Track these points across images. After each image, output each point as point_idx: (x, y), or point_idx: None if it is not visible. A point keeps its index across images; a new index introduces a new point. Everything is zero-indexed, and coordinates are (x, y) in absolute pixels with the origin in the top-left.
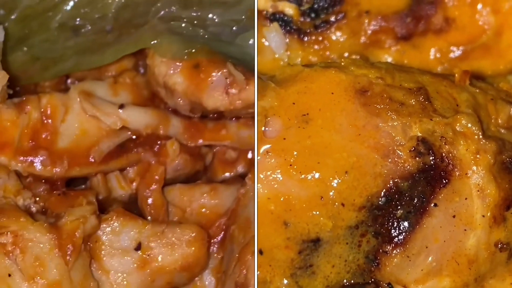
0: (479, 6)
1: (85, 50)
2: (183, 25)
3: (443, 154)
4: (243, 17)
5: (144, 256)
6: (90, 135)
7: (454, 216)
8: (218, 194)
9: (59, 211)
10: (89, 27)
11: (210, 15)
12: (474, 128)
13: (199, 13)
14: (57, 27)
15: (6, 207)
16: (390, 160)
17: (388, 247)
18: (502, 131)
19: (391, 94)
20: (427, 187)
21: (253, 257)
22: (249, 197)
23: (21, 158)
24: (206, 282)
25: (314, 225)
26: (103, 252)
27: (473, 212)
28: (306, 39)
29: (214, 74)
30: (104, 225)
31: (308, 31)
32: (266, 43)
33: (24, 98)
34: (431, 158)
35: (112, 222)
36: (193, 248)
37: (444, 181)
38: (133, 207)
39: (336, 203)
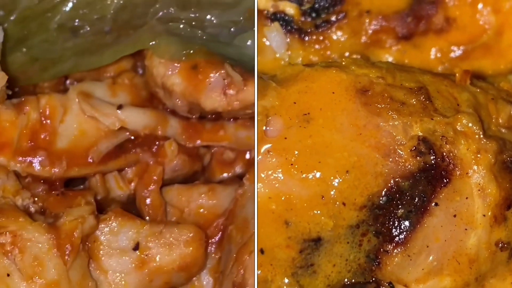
0: (480, 6)
1: (84, 51)
2: (181, 26)
3: (444, 154)
4: (241, 18)
5: (142, 256)
6: (88, 136)
7: (455, 216)
8: (216, 194)
9: (58, 211)
10: (88, 28)
11: (208, 16)
12: (475, 127)
13: (197, 14)
14: (56, 28)
15: (5, 207)
16: (391, 159)
17: (389, 246)
18: (503, 130)
19: (392, 93)
20: (428, 187)
21: (250, 257)
22: (247, 198)
23: (20, 158)
24: (204, 282)
25: (315, 225)
26: (101, 252)
27: (474, 211)
28: (307, 38)
29: (212, 75)
30: (103, 225)
31: (309, 30)
32: (267, 43)
33: (23, 99)
34: (432, 157)
35: (110, 222)
36: (191, 248)
37: (445, 181)
38: (131, 208)
39: (337, 203)
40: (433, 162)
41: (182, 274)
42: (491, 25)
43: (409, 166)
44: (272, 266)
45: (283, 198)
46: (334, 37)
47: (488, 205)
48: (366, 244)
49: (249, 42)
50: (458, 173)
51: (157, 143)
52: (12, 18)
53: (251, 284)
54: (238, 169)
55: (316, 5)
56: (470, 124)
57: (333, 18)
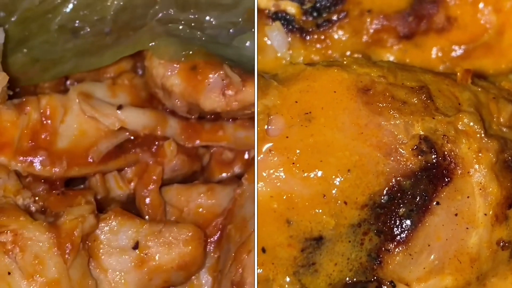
0: (481, 5)
1: (84, 52)
2: (181, 27)
3: (445, 153)
4: (240, 19)
5: (142, 255)
6: (89, 136)
7: (456, 215)
8: (215, 194)
9: (58, 210)
10: (88, 29)
11: (207, 18)
12: (476, 126)
13: (196, 16)
14: (56, 29)
15: (6, 206)
16: (392, 158)
17: (391, 245)
18: (504, 129)
19: (393, 92)
20: (429, 186)
21: (249, 256)
22: (246, 197)
23: (21, 158)
24: (203, 281)
25: (316, 223)
26: (101, 251)
27: (475, 210)
28: (308, 38)
29: (211, 76)
30: (103, 225)
31: (310, 30)
32: (268, 42)
33: (24, 99)
34: (433, 156)
35: (110, 221)
36: (190, 247)
37: (446, 180)
38: (131, 207)
39: (339, 202)
40: (434, 161)
41: (181, 273)
42: (492, 24)
43: (410, 165)
44: (274, 265)
45: (284, 197)
46: (336, 36)
47: (489, 204)
48: (368, 243)
49: (248, 43)
50: (459, 172)
51: (156, 143)
52: (13, 19)
53: (249, 283)
54: (237, 169)
55: (318, 4)
56: (471, 123)
57: (335, 18)
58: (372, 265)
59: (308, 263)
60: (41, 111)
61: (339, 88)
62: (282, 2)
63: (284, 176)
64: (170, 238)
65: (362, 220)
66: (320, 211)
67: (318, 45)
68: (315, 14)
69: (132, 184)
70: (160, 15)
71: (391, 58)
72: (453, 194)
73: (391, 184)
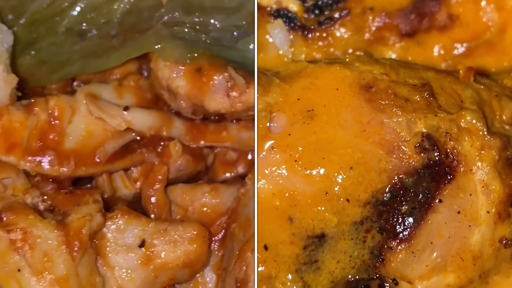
0: (483, 3)
1: (91, 54)
2: (186, 30)
3: (448, 150)
4: (244, 22)
5: (148, 253)
6: (96, 136)
7: (458, 212)
8: (219, 193)
9: (66, 209)
10: (95, 32)
11: (212, 21)
12: (478, 124)
13: (201, 19)
14: (64, 32)
15: (15, 205)
16: (395, 156)
17: (393, 243)
18: (507, 127)
19: (395, 90)
20: (432, 183)
21: (253, 254)
22: (249, 197)
23: (30, 158)
24: (207, 279)
25: (319, 221)
26: (108, 248)
27: (478, 208)
28: (310, 35)
29: (215, 77)
30: (109, 223)
31: (312, 27)
32: (270, 40)
33: (33, 100)
34: (436, 154)
35: (117, 220)
36: (194, 246)
37: (449, 177)
38: (137, 206)
39: (341, 199)
40: (437, 158)
41: (186, 270)
42: (495, 22)
43: (413, 162)
44: (276, 263)
45: (287, 195)
46: (338, 34)
47: (492, 201)
48: (370, 241)
49: (251, 46)
50: (462, 169)
51: (162, 143)
52: (21, 21)
53: (253, 280)
54: (240, 169)
55: (319, 2)
56: (474, 121)
57: (337, 15)
58: (374, 262)
59: (310, 261)
60: (49, 112)
61: (341, 86)
62: (284, 0)
63: (286, 174)
64: (176, 236)
65: (365, 218)
66: (323, 208)
67: (320, 43)
68: (317, 11)
69: (138, 183)
70: (165, 18)
71: (393, 56)
72: (456, 191)
73: (393, 181)
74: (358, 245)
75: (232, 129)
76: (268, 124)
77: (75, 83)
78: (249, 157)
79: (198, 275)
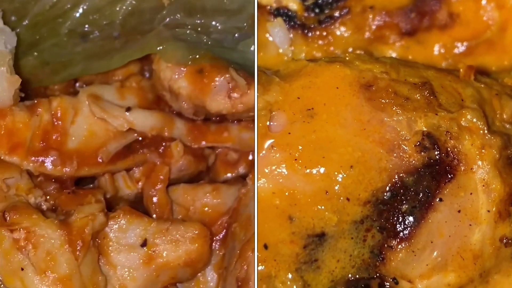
0: (484, 2)
1: (93, 55)
2: (188, 32)
3: (448, 149)
4: (245, 24)
5: (150, 252)
6: (98, 137)
7: (459, 211)
8: (220, 193)
9: (69, 208)
10: (97, 33)
11: (213, 23)
12: (479, 123)
13: (202, 21)
14: (66, 33)
15: (19, 204)
16: (395, 154)
17: (393, 242)
18: (507, 126)
19: (396, 88)
20: (432, 182)
21: (253, 254)
22: (250, 197)
23: (33, 158)
24: (209, 278)
25: (319, 220)
26: (110, 248)
27: (478, 207)
28: (310, 34)
29: (217, 79)
30: (112, 223)
31: (312, 26)
32: (270, 38)
33: (36, 101)
34: (436, 152)
35: (119, 219)
36: (196, 245)
37: (449, 176)
38: (139, 206)
39: (341, 198)
40: (437, 157)
41: (187, 269)
42: (495, 21)
43: (413, 161)
44: (276, 262)
45: (287, 193)
46: (338, 32)
47: (493, 200)
48: (370, 240)
49: (252, 47)
50: (462, 168)
51: (163, 144)
52: (24, 23)
53: (253, 279)
54: (241, 169)
55: (320, 1)
56: (474, 120)
57: (337, 14)
58: (374, 261)
59: (310, 260)
60: (52, 112)
61: (341, 84)
62: None
63: (286, 173)
64: (177, 236)
65: (365, 217)
66: (323, 207)
67: (320, 42)
68: (317, 10)
69: (140, 183)
70: (167, 20)
71: (393, 55)
72: (456, 190)
73: (393, 180)
74: (358, 244)
75: (233, 130)
76: (268, 123)
77: (77, 84)
78: (250, 157)
79: (199, 274)
